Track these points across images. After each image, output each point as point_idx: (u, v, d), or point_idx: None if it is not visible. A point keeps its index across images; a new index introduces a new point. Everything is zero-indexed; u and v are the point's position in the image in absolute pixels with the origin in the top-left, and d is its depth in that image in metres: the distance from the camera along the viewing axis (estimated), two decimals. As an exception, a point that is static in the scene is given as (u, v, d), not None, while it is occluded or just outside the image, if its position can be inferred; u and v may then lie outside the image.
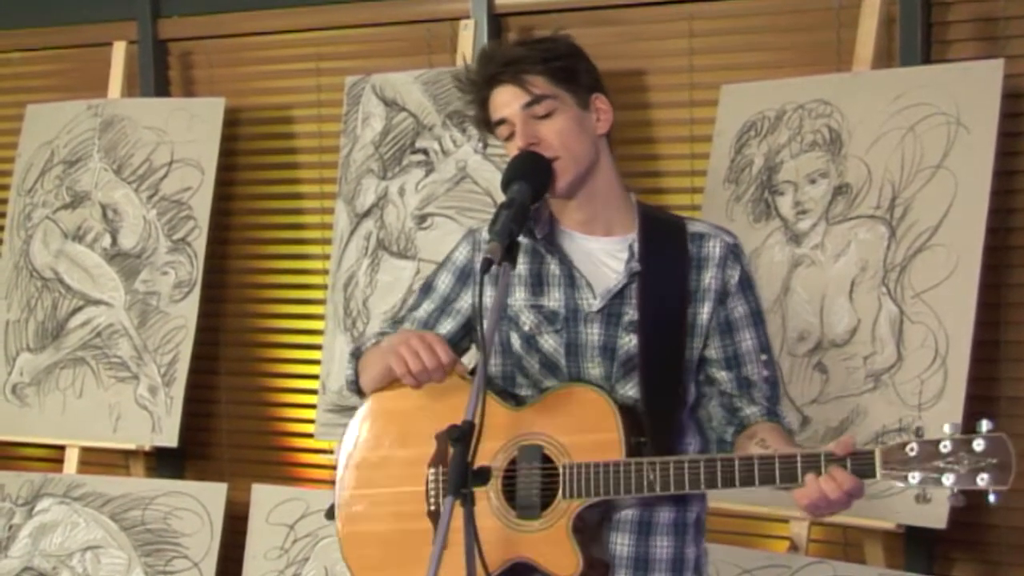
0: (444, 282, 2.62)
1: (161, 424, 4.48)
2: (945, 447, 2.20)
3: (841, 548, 3.78)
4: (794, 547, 3.63)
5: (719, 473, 2.32)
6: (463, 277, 2.60)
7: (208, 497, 4.38)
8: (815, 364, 3.60)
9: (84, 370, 4.64)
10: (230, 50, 4.81)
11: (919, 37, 3.68)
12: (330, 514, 2.66)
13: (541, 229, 2.53)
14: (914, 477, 2.21)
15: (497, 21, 4.28)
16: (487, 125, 2.54)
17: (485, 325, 2.32)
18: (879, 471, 2.24)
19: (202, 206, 4.55)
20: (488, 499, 2.44)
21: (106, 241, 4.67)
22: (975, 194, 3.42)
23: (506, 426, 2.45)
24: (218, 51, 4.83)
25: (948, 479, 2.19)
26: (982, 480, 2.18)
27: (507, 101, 2.48)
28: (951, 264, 3.43)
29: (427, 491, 2.54)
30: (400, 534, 2.55)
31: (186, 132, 4.60)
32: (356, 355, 2.66)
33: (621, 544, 2.47)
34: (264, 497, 4.35)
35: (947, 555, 3.69)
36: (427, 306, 2.63)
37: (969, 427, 2.21)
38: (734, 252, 2.53)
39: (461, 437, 2.15)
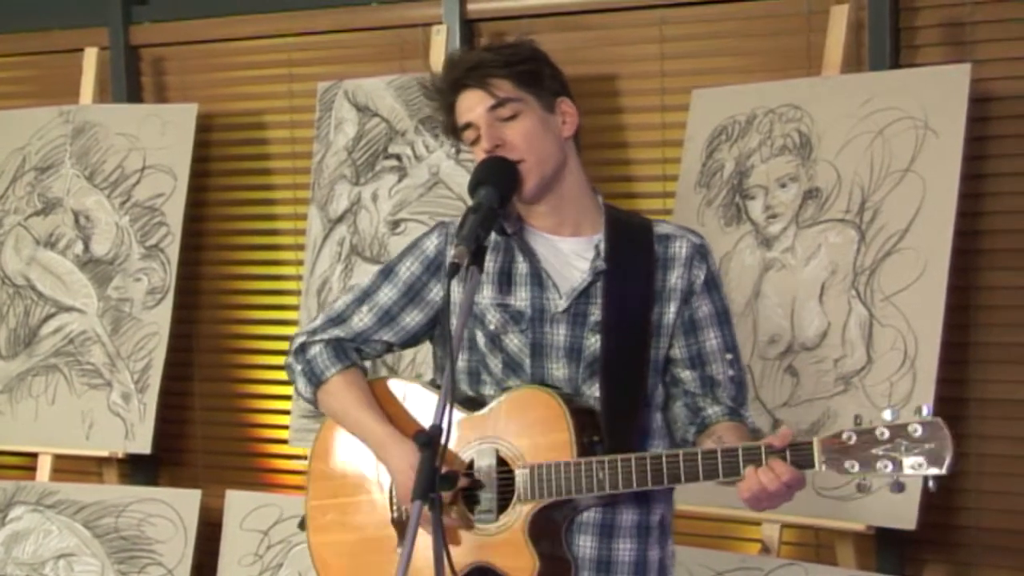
0: (410, 270, 2.60)
1: (134, 431, 4.47)
2: (882, 434, 2.20)
3: (813, 550, 3.80)
4: (766, 549, 3.65)
5: (664, 469, 2.32)
6: (433, 268, 2.59)
7: (182, 504, 4.37)
8: (786, 367, 3.61)
9: (57, 377, 4.62)
10: (202, 56, 4.80)
11: (888, 42, 3.70)
12: (302, 524, 2.68)
13: (511, 226, 2.54)
14: (852, 466, 2.21)
15: (469, 27, 4.29)
16: (455, 131, 2.55)
17: (453, 329, 2.33)
18: (817, 461, 2.23)
19: (175, 212, 4.54)
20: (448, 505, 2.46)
21: (78, 248, 4.66)
22: (943, 197, 3.44)
23: (464, 431, 2.47)
24: (190, 57, 4.82)
25: (885, 466, 2.19)
26: (919, 464, 2.17)
27: (472, 105, 2.50)
28: (920, 267, 3.45)
29: (390, 498, 2.56)
30: (367, 543, 2.57)
31: (158, 138, 4.59)
32: (314, 382, 2.60)
33: (583, 546, 2.48)
34: (238, 503, 4.34)
35: (918, 556, 3.71)
36: (389, 291, 2.60)
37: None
38: (700, 252, 2.54)
39: (428, 442, 2.15)
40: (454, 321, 2.37)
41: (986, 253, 3.63)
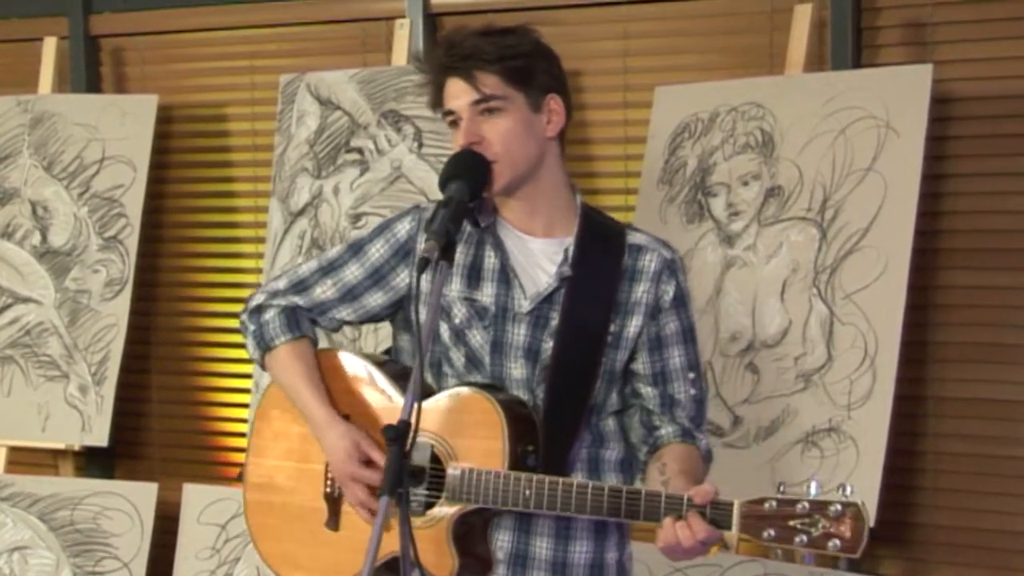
0: (379, 252, 2.58)
1: (91, 423, 4.44)
2: (802, 508, 2.20)
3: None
4: (725, 546, 3.65)
5: (588, 501, 2.34)
6: (402, 253, 2.57)
7: (139, 497, 4.34)
8: (747, 364, 3.63)
9: (12, 369, 4.58)
10: (163, 47, 4.77)
11: (850, 41, 3.72)
12: (240, 476, 2.72)
13: (485, 218, 2.53)
14: (769, 535, 2.22)
15: (432, 21, 4.29)
16: (438, 107, 2.52)
17: (422, 320, 2.33)
18: (735, 524, 2.24)
19: (134, 204, 4.51)
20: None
21: (36, 239, 4.62)
22: (904, 197, 3.47)
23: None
24: (151, 48, 4.79)
25: (800, 540, 2.20)
26: (833, 546, 2.18)
27: (456, 94, 2.46)
28: (880, 266, 3.47)
29: (325, 472, 2.57)
30: (297, 509, 2.59)
31: (118, 129, 4.56)
32: (262, 346, 2.62)
33: (540, 547, 2.48)
34: (195, 497, 4.32)
35: (874, 553, 3.73)
36: (355, 270, 2.59)
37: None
38: (671, 267, 2.53)
39: (396, 437, 2.15)
40: (422, 313, 2.38)
41: (946, 252, 3.66)
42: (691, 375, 2.54)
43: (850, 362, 3.47)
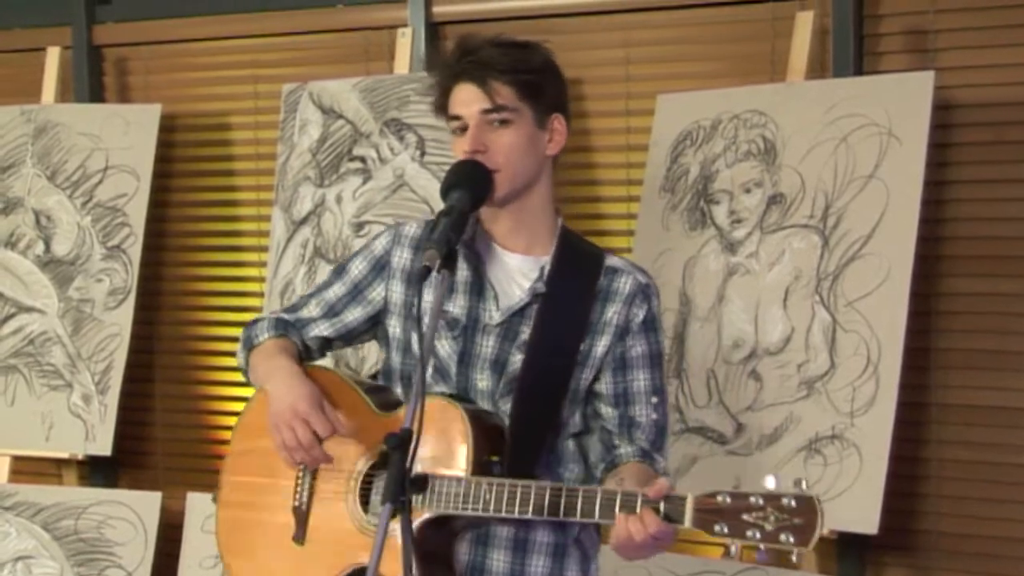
0: (358, 268, 2.63)
1: (95, 432, 4.44)
2: (755, 501, 2.17)
3: (775, 554, 3.81)
4: (728, 553, 3.65)
5: (547, 500, 2.31)
6: (378, 267, 2.61)
7: (142, 506, 4.35)
8: (750, 372, 3.63)
9: (16, 378, 4.59)
10: (166, 56, 4.78)
11: (851, 49, 3.72)
12: (215, 498, 2.71)
13: (466, 232, 2.52)
14: (722, 528, 2.18)
15: (435, 30, 4.30)
16: (443, 111, 2.53)
17: (400, 332, 2.33)
18: (688, 518, 2.21)
19: (137, 213, 4.52)
20: (346, 502, 2.49)
21: (39, 248, 4.63)
22: (906, 204, 3.47)
23: (371, 431, 2.47)
24: (154, 57, 4.80)
25: (753, 534, 2.17)
26: (785, 539, 2.15)
27: (467, 100, 2.47)
28: (883, 273, 3.47)
29: (295, 486, 2.57)
30: (266, 525, 2.59)
31: (121, 138, 4.57)
32: (248, 346, 2.65)
33: (498, 560, 2.48)
34: (199, 505, 4.32)
35: (879, 560, 3.74)
36: (337, 289, 2.64)
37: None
38: (644, 292, 2.53)
39: (399, 445, 2.15)
40: (397, 324, 2.42)
41: (948, 259, 3.66)
42: (654, 399, 2.53)
43: (853, 369, 3.47)
